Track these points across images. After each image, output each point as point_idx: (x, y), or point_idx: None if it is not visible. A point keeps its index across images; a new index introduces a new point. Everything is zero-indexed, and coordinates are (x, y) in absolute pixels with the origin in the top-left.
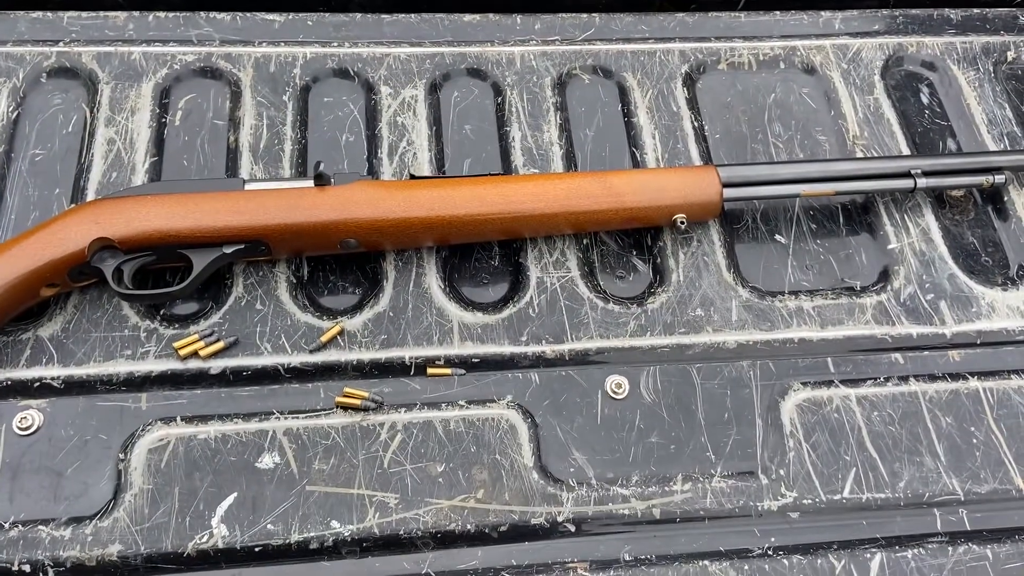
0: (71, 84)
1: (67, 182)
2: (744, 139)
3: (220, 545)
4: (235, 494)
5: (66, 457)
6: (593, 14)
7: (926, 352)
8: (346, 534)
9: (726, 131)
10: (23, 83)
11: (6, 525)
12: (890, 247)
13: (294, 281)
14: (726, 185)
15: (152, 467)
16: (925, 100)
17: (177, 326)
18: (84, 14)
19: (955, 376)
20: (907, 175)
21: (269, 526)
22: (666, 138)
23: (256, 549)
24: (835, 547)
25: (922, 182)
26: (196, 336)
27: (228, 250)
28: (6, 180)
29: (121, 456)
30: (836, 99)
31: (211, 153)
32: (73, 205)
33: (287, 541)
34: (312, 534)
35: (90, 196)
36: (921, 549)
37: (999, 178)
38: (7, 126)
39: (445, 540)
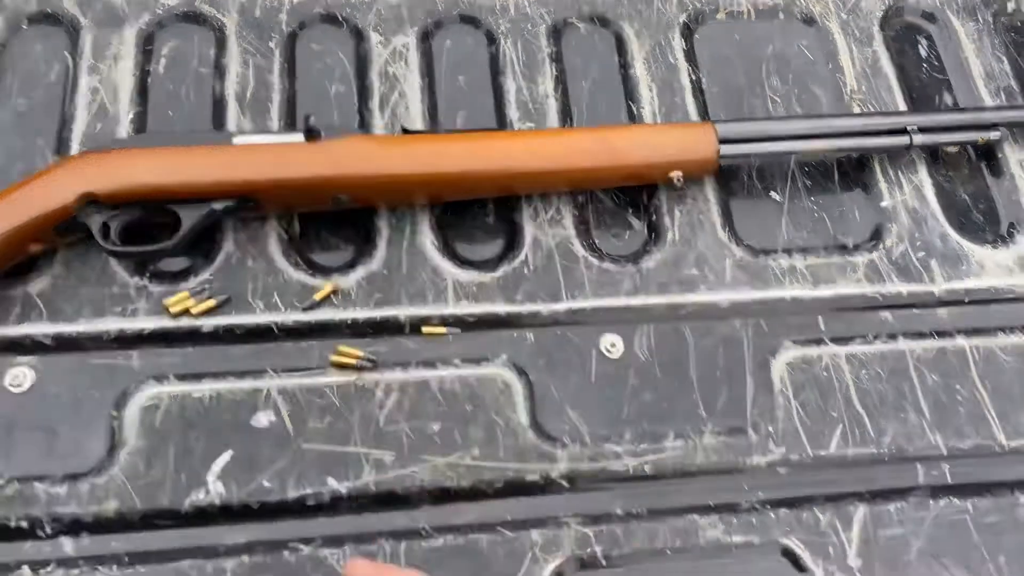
0: (52, 31)
1: (50, 133)
2: (741, 93)
3: (217, 502)
4: (230, 452)
5: (59, 414)
6: None
7: (915, 310)
8: (343, 491)
9: (723, 84)
10: (3, 30)
11: (2, 482)
12: (883, 204)
13: (285, 238)
14: (723, 142)
15: (146, 425)
16: (923, 53)
17: (167, 283)
18: None
19: (942, 334)
20: (903, 132)
21: (265, 483)
22: (663, 91)
23: (253, 506)
24: (821, 501)
25: (918, 139)
26: (187, 293)
27: (217, 206)
28: None
29: (114, 414)
30: (834, 51)
31: (196, 103)
32: (57, 158)
33: (284, 498)
34: (309, 491)
35: (74, 147)
36: (904, 503)
37: (994, 135)
38: None
39: (441, 496)
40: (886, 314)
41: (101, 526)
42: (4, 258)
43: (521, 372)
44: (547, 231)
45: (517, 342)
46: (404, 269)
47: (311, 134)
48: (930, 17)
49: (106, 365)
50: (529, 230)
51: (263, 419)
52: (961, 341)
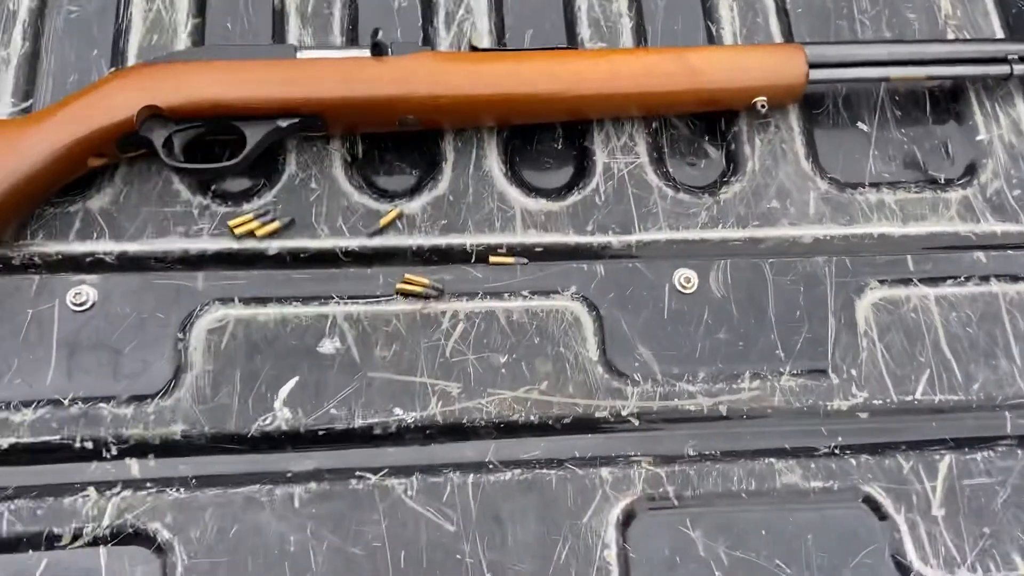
0: None
1: (105, 43)
2: (828, 14)
3: (284, 427)
4: (297, 378)
5: (123, 335)
6: None
7: (1009, 251)
8: (409, 421)
9: (808, 5)
10: None
11: (65, 401)
12: (979, 138)
13: (349, 160)
14: (812, 66)
15: (212, 348)
16: None
17: (230, 203)
18: None
19: None
20: (1003, 60)
21: (332, 411)
22: (744, 11)
23: (320, 433)
24: (904, 448)
25: (1019, 68)
26: (251, 215)
27: (282, 124)
28: (40, 39)
29: (180, 336)
30: None
31: (256, 15)
32: (113, 70)
33: (350, 426)
34: (375, 420)
35: (131, 59)
36: (990, 452)
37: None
38: None
39: (508, 430)
40: (979, 254)
41: (168, 449)
42: (64, 172)
43: (591, 306)
44: (619, 158)
45: (587, 274)
46: (470, 195)
47: (378, 50)
48: None
49: (170, 285)
50: (600, 157)
51: (329, 346)
52: None
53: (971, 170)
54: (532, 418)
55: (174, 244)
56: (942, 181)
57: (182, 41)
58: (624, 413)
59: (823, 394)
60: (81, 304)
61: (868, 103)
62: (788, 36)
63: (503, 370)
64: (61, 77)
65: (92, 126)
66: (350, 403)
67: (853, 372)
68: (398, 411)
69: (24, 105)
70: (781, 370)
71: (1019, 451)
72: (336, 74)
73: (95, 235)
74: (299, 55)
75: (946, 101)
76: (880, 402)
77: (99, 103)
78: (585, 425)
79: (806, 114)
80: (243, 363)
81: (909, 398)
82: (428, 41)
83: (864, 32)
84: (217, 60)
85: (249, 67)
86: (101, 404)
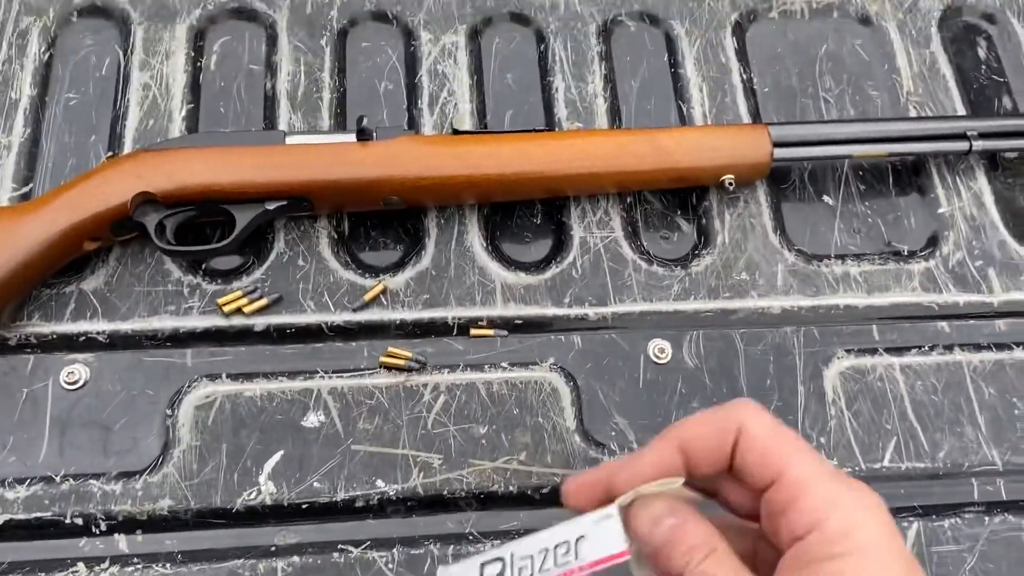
0: (103, 24)
1: (103, 129)
2: (794, 93)
3: (268, 501)
4: (281, 452)
5: (114, 412)
6: None
7: (972, 321)
8: (391, 493)
9: (775, 84)
10: (53, 22)
11: (57, 478)
12: (940, 211)
13: (335, 237)
14: (777, 145)
15: (199, 423)
16: (982, 55)
17: (220, 281)
18: None
19: (1000, 346)
20: (962, 137)
21: (315, 484)
22: (714, 91)
23: (303, 506)
24: None
25: (977, 144)
26: (240, 292)
27: (271, 206)
28: (41, 125)
29: (168, 412)
30: (890, 52)
31: (248, 100)
32: (111, 154)
33: (333, 499)
34: (358, 492)
35: (127, 144)
36: (958, 519)
37: None
38: (40, 68)
39: (488, 501)
40: (942, 324)
41: (155, 524)
42: (60, 256)
43: (568, 376)
44: (595, 233)
45: (565, 346)
46: (452, 270)
47: (363, 135)
48: (990, 18)
49: (160, 363)
50: (577, 232)
51: (313, 419)
52: (1019, 354)
53: (933, 242)
54: (511, 488)
55: (165, 323)
56: (905, 253)
57: (176, 125)
58: None
59: None
60: (74, 383)
61: (833, 178)
62: (756, 115)
63: (483, 441)
64: (60, 162)
65: (88, 212)
66: (333, 476)
67: (823, 440)
68: (380, 483)
69: (24, 190)
70: None
71: (986, 518)
72: (323, 159)
73: (89, 315)
74: (288, 140)
75: (908, 175)
76: (849, 469)
77: (95, 191)
78: None
79: (774, 189)
80: (229, 438)
81: (877, 465)
82: (413, 123)
83: (829, 109)
84: (208, 147)
85: (239, 153)
86: (91, 480)
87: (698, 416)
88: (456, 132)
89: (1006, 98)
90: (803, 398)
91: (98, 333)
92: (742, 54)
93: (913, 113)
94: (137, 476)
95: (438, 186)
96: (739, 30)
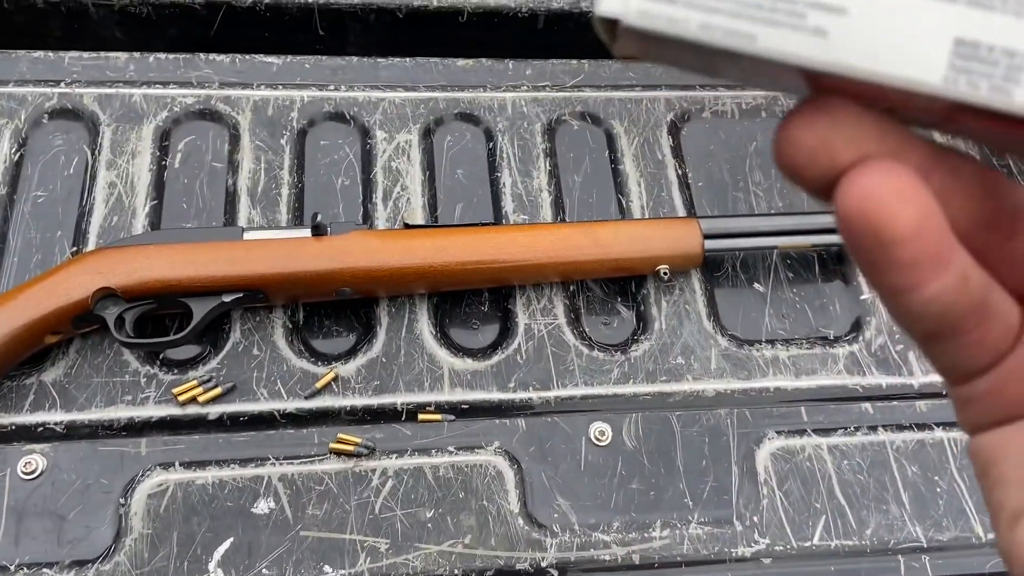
0: (73, 125)
1: (69, 225)
2: (726, 187)
3: None
4: (231, 539)
5: (68, 501)
6: (582, 60)
7: (894, 402)
8: None
9: (708, 179)
10: (25, 124)
11: (12, 568)
12: (862, 298)
13: (290, 326)
14: (707, 237)
15: (151, 512)
16: None
17: (176, 371)
18: (86, 55)
19: (921, 426)
20: None
21: (264, 571)
22: (651, 186)
23: None
24: None
25: None
26: (195, 382)
27: (227, 299)
28: (9, 223)
29: (122, 501)
30: None
31: (210, 197)
32: (75, 250)
33: None
34: None
35: (92, 240)
36: None
37: None
38: (9, 168)
39: None
40: (866, 405)
41: None
42: (22, 349)
43: (513, 459)
44: (539, 320)
45: (509, 429)
46: (402, 357)
47: (318, 230)
48: None
49: (115, 452)
50: (522, 319)
51: (264, 506)
52: (940, 433)
53: (857, 327)
54: (456, 571)
55: (121, 412)
56: (831, 337)
57: (140, 221)
58: (544, 564)
59: (728, 541)
60: (31, 473)
61: (764, 266)
62: (690, 208)
63: (429, 524)
64: (25, 257)
65: (50, 307)
66: (282, 562)
67: (755, 519)
68: (328, 569)
69: None
70: (689, 518)
71: None
72: (278, 253)
73: (47, 406)
74: (245, 236)
75: (833, 264)
76: (781, 548)
77: (57, 286)
78: None
79: (708, 277)
80: (181, 526)
81: (808, 543)
82: (367, 216)
83: (759, 202)
84: (168, 243)
85: (197, 249)
86: (45, 570)
87: None
88: (407, 226)
89: None
90: (737, 478)
91: (56, 424)
92: (677, 151)
93: None
94: (90, 565)
95: (388, 277)
96: (674, 129)
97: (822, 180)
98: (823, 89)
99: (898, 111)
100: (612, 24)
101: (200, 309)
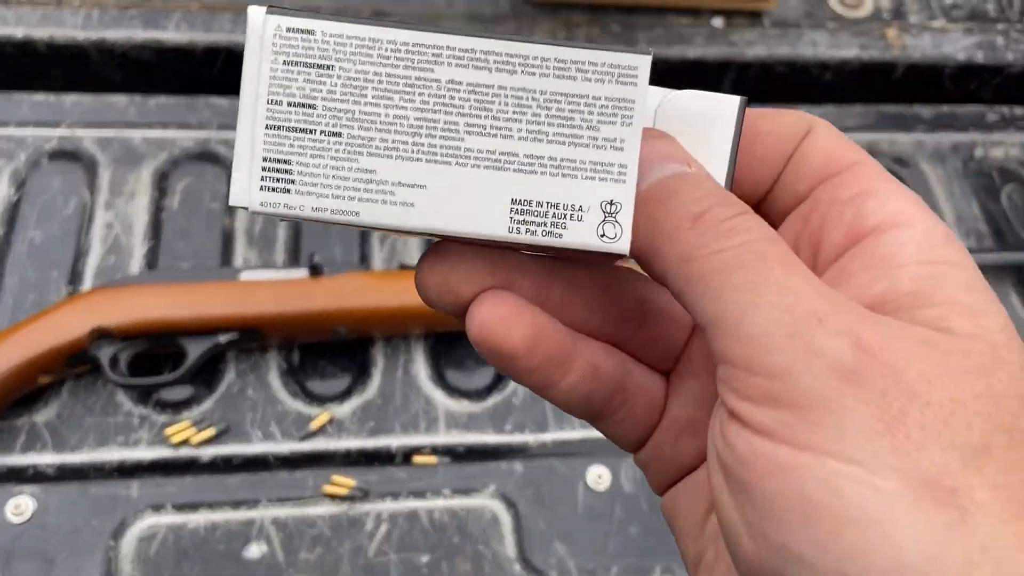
0: (72, 167)
1: (65, 265)
2: None
3: None
4: None
5: (58, 544)
6: None
7: None
8: None
9: None
10: (24, 165)
11: None
12: None
13: (285, 367)
14: None
15: (141, 555)
16: None
17: (170, 412)
18: (86, 97)
19: None
20: None
21: None
22: None
23: None
24: None
25: None
26: (188, 423)
27: (223, 339)
28: (5, 262)
29: (111, 543)
30: None
31: (207, 237)
32: (71, 290)
33: None
34: None
35: (87, 280)
36: None
37: None
38: (8, 208)
39: None
40: None
41: None
42: (15, 389)
43: (509, 503)
44: None
45: (505, 473)
46: (398, 398)
47: (315, 270)
48: (901, 162)
49: (106, 494)
50: None
51: (255, 550)
52: None
53: None
54: None
55: (113, 454)
56: None
57: (136, 261)
58: None
59: None
60: (19, 515)
61: None
62: None
63: (424, 570)
64: (20, 297)
65: (45, 347)
66: None
67: None
68: None
69: None
70: None
71: None
72: (274, 293)
73: (39, 447)
74: (241, 276)
75: None
76: None
77: (52, 326)
78: None
79: None
80: (171, 569)
81: None
82: (365, 258)
83: None
84: (164, 284)
85: (193, 290)
86: None
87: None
88: (403, 267)
89: None
90: None
91: (47, 465)
92: None
93: None
94: None
95: (383, 317)
96: None
97: (454, 312)
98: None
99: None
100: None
101: (195, 349)
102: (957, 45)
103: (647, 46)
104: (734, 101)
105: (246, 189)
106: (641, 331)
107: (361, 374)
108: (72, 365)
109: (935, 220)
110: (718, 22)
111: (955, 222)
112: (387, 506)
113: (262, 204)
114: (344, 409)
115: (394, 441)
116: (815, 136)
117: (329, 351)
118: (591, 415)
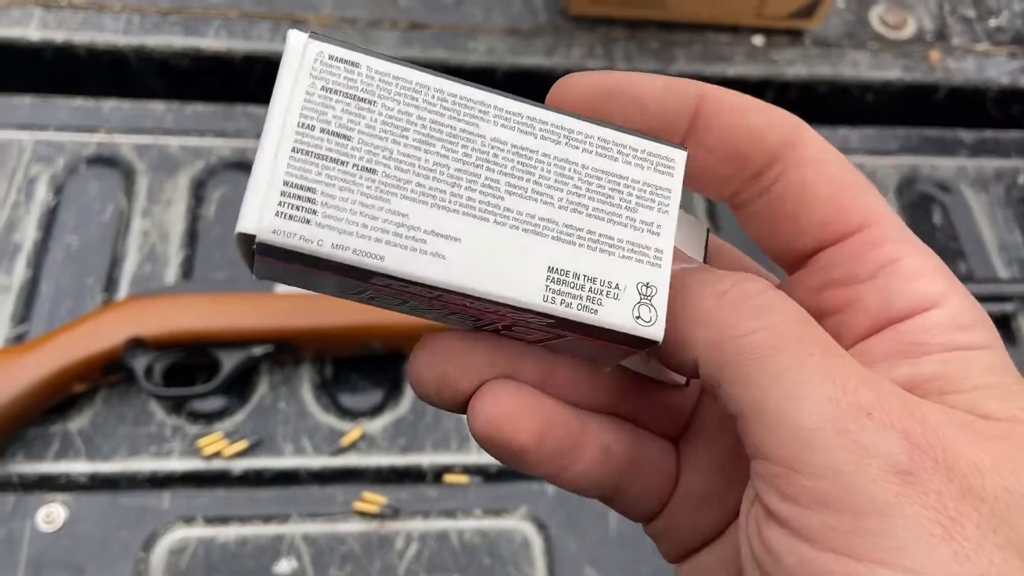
0: (109, 173)
1: (100, 272)
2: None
3: None
4: None
5: (88, 554)
6: None
7: None
8: None
9: None
10: (63, 171)
11: None
12: None
13: (318, 381)
14: None
15: (171, 568)
16: (937, 221)
17: (202, 423)
18: (125, 103)
19: None
20: None
21: None
22: None
23: None
24: None
25: None
26: (220, 434)
27: (257, 351)
28: (42, 268)
29: (141, 555)
30: None
31: None
32: (105, 297)
33: None
34: None
35: (123, 288)
36: None
37: (1008, 307)
38: (46, 214)
39: None
40: None
41: None
42: (50, 397)
43: (540, 526)
44: None
45: (537, 495)
46: (429, 415)
47: None
48: (943, 187)
49: (137, 505)
50: None
51: (285, 566)
52: None
53: None
54: None
55: (145, 464)
56: None
57: (172, 270)
58: None
59: None
60: (51, 523)
61: None
62: None
63: None
64: (56, 304)
65: (80, 356)
66: None
67: None
68: None
69: (20, 329)
70: None
71: None
72: (308, 307)
73: (72, 455)
74: (276, 288)
75: None
76: None
77: (87, 335)
78: None
79: None
80: None
81: None
82: None
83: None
84: (199, 294)
85: (228, 300)
86: None
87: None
88: None
89: (961, 264)
90: None
91: (79, 474)
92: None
93: None
94: None
95: (418, 333)
96: None
97: (454, 407)
98: (447, 308)
99: (513, 329)
100: (250, 241)
101: (229, 361)
102: (1001, 69)
103: (685, 63)
104: (702, 226)
105: (258, 214)
106: (650, 399)
107: (393, 389)
108: (107, 374)
109: (962, 295)
110: (759, 40)
111: (997, 251)
112: (417, 525)
113: (275, 232)
114: (376, 425)
115: (425, 459)
116: (807, 166)
117: (362, 365)
118: (603, 496)
